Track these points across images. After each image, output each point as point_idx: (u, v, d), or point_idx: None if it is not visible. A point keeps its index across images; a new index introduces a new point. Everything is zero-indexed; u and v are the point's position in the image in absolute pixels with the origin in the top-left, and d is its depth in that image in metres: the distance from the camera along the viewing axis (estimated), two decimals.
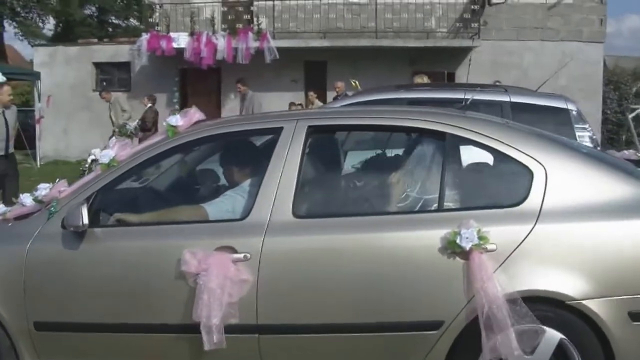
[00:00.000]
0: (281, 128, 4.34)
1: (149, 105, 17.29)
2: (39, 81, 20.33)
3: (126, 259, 4.27)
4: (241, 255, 4.03)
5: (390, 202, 4.28)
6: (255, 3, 21.81)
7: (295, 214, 4.13)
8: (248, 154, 4.68)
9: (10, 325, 4.37)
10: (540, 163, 4.04)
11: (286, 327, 4.06)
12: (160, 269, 4.16)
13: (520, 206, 3.98)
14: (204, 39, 20.65)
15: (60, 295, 4.33)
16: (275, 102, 18.11)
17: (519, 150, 4.09)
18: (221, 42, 20.62)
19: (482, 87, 7.83)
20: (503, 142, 4.13)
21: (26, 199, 4.76)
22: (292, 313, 4.06)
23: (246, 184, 4.47)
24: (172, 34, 21.08)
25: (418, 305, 3.96)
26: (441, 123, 4.28)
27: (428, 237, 3.95)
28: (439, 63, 19.78)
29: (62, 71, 23.06)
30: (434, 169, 4.25)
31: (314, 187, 4.48)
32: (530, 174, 4.03)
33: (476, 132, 4.19)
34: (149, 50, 21.14)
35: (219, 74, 22.03)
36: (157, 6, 22.16)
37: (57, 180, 4.73)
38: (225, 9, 22.25)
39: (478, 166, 4.30)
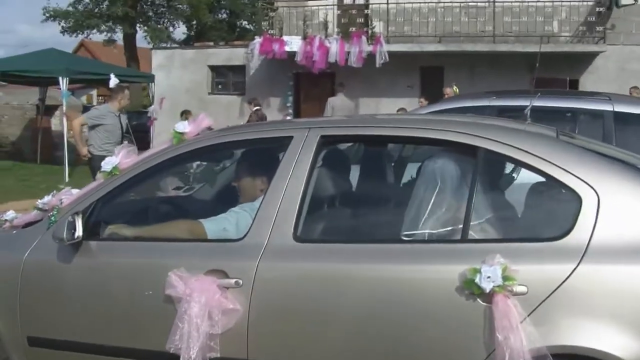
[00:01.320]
0: (291, 137, 3.76)
1: (255, 108, 17.07)
2: (153, 83, 20.51)
3: (115, 277, 3.86)
4: (232, 281, 3.49)
5: (407, 227, 3.59)
6: (370, 6, 21.21)
7: (297, 237, 3.53)
8: (258, 165, 4.11)
9: (5, 338, 4.11)
10: (591, 186, 3.26)
11: None
12: (147, 291, 3.68)
13: (563, 240, 3.21)
14: (316, 42, 20.28)
15: (52, 311, 4.01)
16: (389, 108, 17.57)
17: (565, 170, 3.32)
18: (334, 45, 20.16)
19: (578, 95, 6.97)
20: (545, 159, 3.37)
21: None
22: (286, 351, 3.48)
23: (256, 199, 3.90)
24: (284, 37, 20.84)
25: (429, 355, 3.29)
26: (472, 135, 3.55)
27: (445, 274, 3.26)
28: (560, 69, 18.58)
29: (178, 74, 23.30)
30: (460, 191, 3.53)
31: (321, 206, 3.87)
32: (578, 200, 3.25)
33: (513, 147, 3.44)
34: (261, 54, 20.97)
35: (333, 78, 21.62)
36: (270, 10, 21.97)
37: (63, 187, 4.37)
38: (340, 12, 21.77)
39: (515, 189, 3.58)
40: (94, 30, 40.37)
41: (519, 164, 3.48)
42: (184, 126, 4.12)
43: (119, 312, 3.80)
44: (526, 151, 3.41)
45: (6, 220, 4.52)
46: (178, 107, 22.52)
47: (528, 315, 3.08)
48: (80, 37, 42.55)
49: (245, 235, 3.62)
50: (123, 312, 3.79)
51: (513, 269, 3.11)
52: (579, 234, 3.18)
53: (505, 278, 3.09)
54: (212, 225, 3.86)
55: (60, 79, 16.39)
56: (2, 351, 4.15)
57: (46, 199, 4.32)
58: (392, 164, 4.57)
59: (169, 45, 30.79)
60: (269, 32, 21.36)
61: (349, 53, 19.97)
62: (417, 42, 20.59)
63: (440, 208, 3.53)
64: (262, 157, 4.12)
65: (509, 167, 3.63)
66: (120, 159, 4.15)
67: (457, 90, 13.86)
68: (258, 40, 21.14)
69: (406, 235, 3.54)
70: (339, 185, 4.03)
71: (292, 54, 20.55)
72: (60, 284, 3.98)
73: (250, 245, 3.56)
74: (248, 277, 3.48)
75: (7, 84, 23.05)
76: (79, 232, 3.77)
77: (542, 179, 3.42)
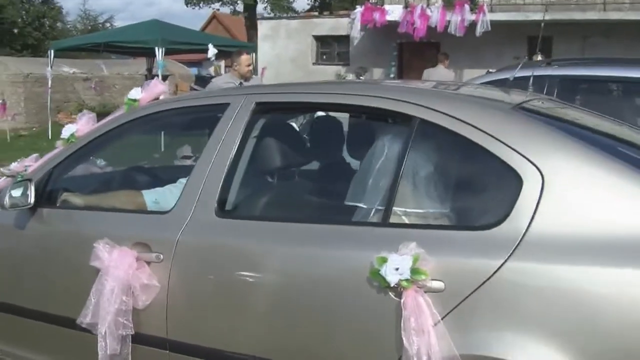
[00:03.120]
0: (227, 104, 3.52)
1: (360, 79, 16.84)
2: (254, 53, 20.58)
3: (55, 245, 3.82)
4: (153, 255, 3.32)
5: (330, 207, 3.28)
6: None
7: (219, 211, 3.31)
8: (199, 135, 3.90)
9: None
10: (535, 165, 2.71)
11: (197, 349, 3.28)
12: (76, 260, 3.58)
13: (494, 229, 2.68)
14: (417, 10, 19.76)
15: (7, 275, 4.02)
16: None
17: (506, 145, 2.78)
18: (435, 14, 19.58)
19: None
20: (485, 132, 2.84)
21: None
22: (203, 334, 3.27)
23: None
24: (386, 6, 20.43)
25: (338, 356, 2.92)
26: (405, 102, 3.11)
27: (356, 261, 2.84)
28: None
29: (283, 44, 23.37)
30: (387, 168, 3.14)
31: (250, 180, 3.59)
32: (518, 181, 2.72)
33: (450, 116, 2.95)
34: (363, 23, 20.65)
35: (438, 48, 21.02)
36: None
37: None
38: None
39: (450, 167, 3.17)
40: (216, 2, 41.02)
41: (455, 137, 2.95)
42: (137, 92, 3.97)
43: (59, 281, 3.74)
44: (464, 121, 2.91)
45: None
46: (282, 77, 22.63)
47: (442, 318, 2.63)
48: (206, 8, 43.30)
49: (172, 209, 3.45)
50: (62, 281, 3.72)
51: (425, 261, 2.65)
52: (514, 223, 2.65)
53: (414, 271, 2.64)
54: (149, 197, 3.73)
55: (156, 49, 16.65)
56: None
57: (12, 165, 4.31)
58: (333, 136, 4.18)
59: (270, 16, 30.69)
60: (370, 0, 20.99)
61: (449, 22, 19.34)
62: (523, 11, 19.69)
63: (363, 187, 3.19)
64: (201, 126, 3.92)
65: (444, 140, 3.09)
66: (79, 126, 4.07)
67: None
68: (359, 9, 20.82)
69: (327, 216, 3.24)
70: (274, 158, 3.70)
71: (395, 24, 20.12)
72: (15, 250, 3.99)
73: (174, 219, 3.38)
74: (168, 252, 3.30)
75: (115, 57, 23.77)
76: (31, 199, 3.73)
77: (482, 156, 2.88)
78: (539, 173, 2.70)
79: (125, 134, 4.02)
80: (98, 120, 4.17)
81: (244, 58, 8.69)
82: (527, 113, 3.11)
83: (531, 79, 4.04)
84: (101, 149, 4.26)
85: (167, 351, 3.35)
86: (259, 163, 3.63)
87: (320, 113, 4.23)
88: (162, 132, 4.27)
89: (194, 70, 30.87)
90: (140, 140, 4.53)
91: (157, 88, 4.02)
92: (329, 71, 22.86)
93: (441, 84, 4.07)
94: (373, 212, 3.11)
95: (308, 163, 4.00)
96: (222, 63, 44.41)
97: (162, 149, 8.71)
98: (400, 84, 3.98)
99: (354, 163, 3.38)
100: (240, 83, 8.41)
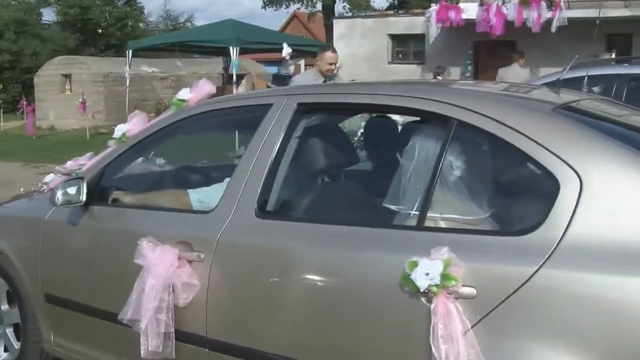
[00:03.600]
0: (270, 105, 3.54)
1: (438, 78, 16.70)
2: None
3: (105, 242, 3.95)
4: (195, 254, 3.37)
5: (368, 210, 3.26)
6: None
7: (259, 212, 3.33)
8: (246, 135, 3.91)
9: (31, 294, 4.33)
10: (573, 169, 2.61)
11: (235, 348, 3.31)
12: (123, 257, 3.64)
13: (530, 235, 2.61)
14: (493, 8, 19.43)
15: (62, 270, 4.18)
16: None
17: (545, 148, 2.69)
18: (511, 11, 19.23)
19: None
20: (524, 134, 2.76)
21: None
22: (242, 334, 3.30)
23: None
24: (461, 5, 20.16)
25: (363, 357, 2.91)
26: (446, 103, 3.06)
27: (389, 265, 2.80)
28: None
29: (358, 43, 23.32)
30: (426, 169, 3.09)
31: (292, 181, 3.58)
32: (556, 186, 2.64)
33: (489, 118, 2.89)
34: (438, 22, 20.42)
35: (513, 46, 20.65)
36: None
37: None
38: None
39: (488, 169, 3.09)
40: (297, 2, 41.13)
41: (492, 138, 2.91)
42: (185, 93, 4.04)
43: (108, 277, 3.85)
44: (501, 122, 2.84)
45: (46, 182, 4.69)
46: (357, 77, 22.57)
47: (473, 326, 2.56)
48: (284, 9, 43.50)
49: (214, 208, 3.49)
50: (110, 277, 3.83)
51: (457, 267, 2.60)
52: (550, 228, 2.57)
53: (444, 277, 2.59)
54: (194, 196, 3.79)
55: (230, 48, 16.83)
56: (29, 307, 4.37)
57: (68, 163, 4.43)
58: (382, 138, 4.14)
59: (345, 15, 30.59)
60: None
61: (526, 19, 18.97)
62: (601, 7, 19.13)
63: (399, 190, 3.18)
64: (246, 126, 3.94)
65: (481, 142, 3.07)
66: (130, 126, 4.17)
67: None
68: (434, 7, 20.60)
69: (364, 219, 3.22)
70: (314, 160, 3.70)
71: (470, 22, 19.86)
72: (69, 245, 4.13)
73: (216, 219, 3.43)
74: (209, 251, 3.35)
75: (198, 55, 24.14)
76: (83, 196, 3.85)
77: (519, 159, 2.81)
78: (577, 177, 2.61)
79: (174, 133, 4.10)
80: None
81: (327, 55, 8.09)
82: (569, 114, 3.02)
83: (585, 78, 3.96)
84: (150, 149, 4.35)
85: (207, 349, 3.39)
86: (299, 164, 3.63)
87: (373, 115, 4.22)
88: (235, 131, 4.24)
89: (273, 69, 31.13)
90: (206, 137, 4.58)
91: (206, 88, 4.08)
92: (404, 70, 22.71)
93: (486, 84, 3.99)
94: (408, 215, 3.09)
95: (349, 165, 3.99)
96: (303, 62, 44.69)
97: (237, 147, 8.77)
98: (440, 85, 3.93)
99: (398, 165, 3.34)
100: (324, 80, 7.83)
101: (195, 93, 4.06)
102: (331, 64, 8.07)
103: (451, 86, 3.80)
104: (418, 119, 3.44)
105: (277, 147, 3.40)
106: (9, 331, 4.68)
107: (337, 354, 3.00)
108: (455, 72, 21.89)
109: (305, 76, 8.99)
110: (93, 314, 3.93)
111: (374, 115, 4.22)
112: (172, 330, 3.38)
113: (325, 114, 3.85)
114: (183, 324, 3.42)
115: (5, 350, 4.73)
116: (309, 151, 3.64)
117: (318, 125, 3.77)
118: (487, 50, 21.45)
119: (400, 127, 3.88)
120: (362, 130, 4.84)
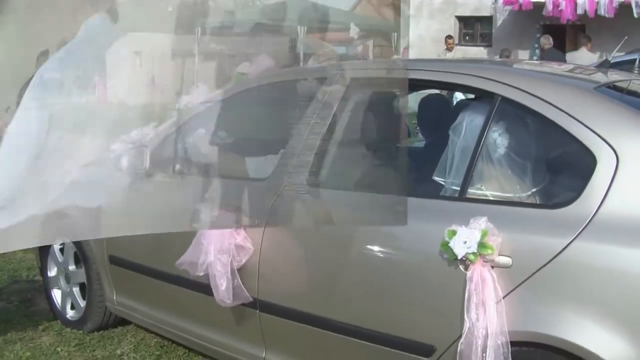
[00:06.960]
0: (324, 79, 3.70)
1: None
2: (396, 33, 20.55)
3: (165, 208, 4.08)
4: (249, 219, 3.56)
5: (414, 181, 3.42)
6: None
7: (310, 180, 3.49)
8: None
9: (96, 255, 4.62)
10: (610, 146, 2.72)
11: (282, 310, 3.50)
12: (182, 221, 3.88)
13: (566, 208, 2.75)
14: None
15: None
16: None
17: (583, 124, 2.82)
18: None
19: None
20: (564, 111, 2.90)
21: None
22: (290, 297, 3.50)
23: None
24: None
25: (415, 321, 3.09)
26: (490, 80, 3.20)
27: (432, 233, 2.96)
28: None
29: (425, 24, 23.18)
30: (470, 142, 3.24)
31: (342, 152, 3.74)
32: (592, 162, 2.75)
33: (530, 94, 3.03)
34: (506, 4, 20.23)
35: (582, 30, 20.31)
36: None
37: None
38: None
39: (529, 144, 3.20)
40: None
41: (533, 115, 3.05)
42: (245, 67, 4.20)
43: (169, 240, 4.03)
44: (543, 99, 2.97)
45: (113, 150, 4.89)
46: (425, 57, 22.49)
47: (507, 294, 2.73)
48: None
49: (268, 176, 3.67)
50: (172, 240, 3.99)
51: (494, 236, 2.76)
52: (585, 202, 2.69)
53: (481, 245, 2.74)
54: (251, 164, 3.95)
55: (298, 27, 16.94)
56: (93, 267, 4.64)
57: (133, 133, 4.61)
58: (432, 115, 4.27)
59: None
60: None
61: (598, 3, 18.63)
62: None
63: (445, 162, 3.35)
64: (300, 98, 4.09)
65: (523, 118, 3.15)
66: (191, 98, 4.30)
67: None
68: None
69: (411, 190, 3.37)
70: (365, 132, 3.86)
71: (539, 5, 19.58)
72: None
73: (269, 186, 3.62)
74: (262, 218, 3.53)
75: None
76: (146, 164, 4.06)
77: (559, 134, 2.93)
78: (613, 153, 2.73)
79: (233, 105, 4.27)
80: None
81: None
82: (611, 93, 3.12)
83: (637, 61, 4.00)
84: (211, 119, 4.52)
85: (257, 310, 3.59)
86: (351, 136, 3.80)
87: (427, 91, 4.35)
88: (290, 103, 4.38)
89: (341, 50, 31.16)
90: (263, 109, 4.73)
91: (265, 62, 4.23)
92: (471, 52, 22.50)
93: (532, 63, 4.09)
94: (452, 187, 3.22)
95: (400, 139, 4.13)
96: (371, 42, 44.10)
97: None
98: (488, 62, 4.03)
99: (448, 140, 3.49)
100: None
101: (255, 66, 4.22)
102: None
103: (500, 65, 3.90)
104: (472, 96, 3.57)
105: (330, 119, 3.56)
106: (76, 290, 4.98)
107: (383, 319, 3.19)
108: (523, 56, 21.62)
109: None
110: (154, 275, 4.16)
111: (428, 93, 4.34)
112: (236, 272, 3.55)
113: (374, 88, 3.99)
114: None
115: (72, 308, 5.02)
116: (360, 124, 3.80)
117: (368, 99, 3.93)
118: (556, 33, 21.09)
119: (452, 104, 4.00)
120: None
